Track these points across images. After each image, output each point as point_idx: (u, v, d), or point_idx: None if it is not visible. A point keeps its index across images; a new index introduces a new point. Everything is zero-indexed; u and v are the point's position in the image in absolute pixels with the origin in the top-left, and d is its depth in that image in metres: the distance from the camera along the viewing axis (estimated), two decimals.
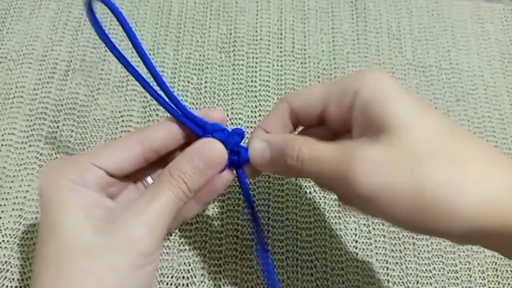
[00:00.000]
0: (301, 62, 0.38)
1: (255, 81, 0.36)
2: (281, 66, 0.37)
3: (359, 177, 0.17)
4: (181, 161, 0.21)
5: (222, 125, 0.22)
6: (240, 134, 0.23)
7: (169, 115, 0.22)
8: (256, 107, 0.35)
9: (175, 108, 0.22)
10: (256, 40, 0.38)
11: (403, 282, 0.30)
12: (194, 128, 0.22)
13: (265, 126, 0.23)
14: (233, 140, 0.22)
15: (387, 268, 0.30)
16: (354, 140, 0.19)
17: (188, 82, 0.36)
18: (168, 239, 0.30)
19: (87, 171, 0.20)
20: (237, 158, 0.22)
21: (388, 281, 0.30)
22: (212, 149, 0.21)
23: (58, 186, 0.19)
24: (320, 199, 0.32)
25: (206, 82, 0.36)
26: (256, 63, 0.37)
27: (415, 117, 0.17)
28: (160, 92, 0.22)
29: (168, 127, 0.22)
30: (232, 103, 0.35)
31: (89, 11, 0.21)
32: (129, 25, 0.21)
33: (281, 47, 0.38)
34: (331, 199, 0.32)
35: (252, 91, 0.36)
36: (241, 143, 0.23)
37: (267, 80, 0.36)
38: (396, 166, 0.17)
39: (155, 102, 0.35)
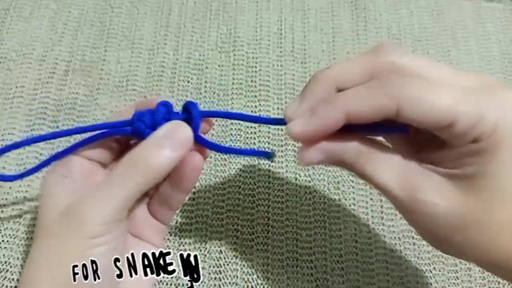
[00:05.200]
0: (301, 62, 0.38)
1: (255, 81, 0.36)
2: (281, 66, 0.37)
3: (417, 228, 0.19)
4: (143, 148, 0.21)
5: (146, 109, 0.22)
6: (164, 104, 0.22)
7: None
8: (256, 107, 0.35)
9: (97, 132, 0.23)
10: (256, 40, 0.38)
11: (403, 282, 0.30)
12: (123, 131, 0.22)
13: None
14: (162, 111, 0.21)
15: (387, 268, 0.30)
16: (427, 173, 0.18)
17: (188, 82, 0.36)
18: (168, 239, 0.30)
19: (69, 161, 0.23)
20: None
21: (388, 281, 0.30)
22: (179, 129, 0.21)
23: (46, 181, 0.23)
24: (320, 198, 0.32)
25: (206, 82, 0.36)
26: (256, 63, 0.37)
27: None
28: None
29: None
30: (232, 103, 0.35)
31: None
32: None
33: (281, 47, 0.38)
34: (332, 199, 0.32)
35: (252, 91, 0.36)
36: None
37: (267, 80, 0.36)
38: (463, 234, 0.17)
39: None
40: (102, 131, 0.22)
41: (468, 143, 0.16)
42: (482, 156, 0.16)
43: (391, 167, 0.18)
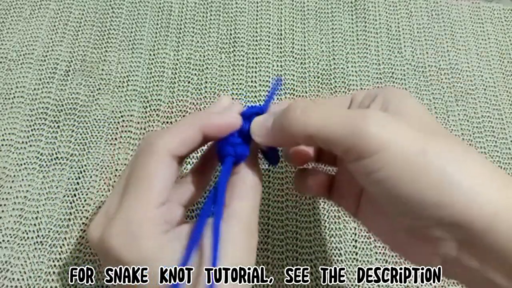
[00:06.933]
0: (301, 63, 0.38)
1: (255, 81, 0.36)
2: (281, 66, 0.37)
3: (371, 127, 0.17)
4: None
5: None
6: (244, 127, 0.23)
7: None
8: None
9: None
10: (256, 40, 0.38)
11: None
12: (232, 161, 0.23)
13: None
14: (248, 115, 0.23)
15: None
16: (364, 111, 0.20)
17: (189, 82, 0.36)
18: None
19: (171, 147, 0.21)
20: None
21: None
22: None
23: (155, 153, 0.20)
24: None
25: (206, 82, 0.36)
26: (256, 63, 0.37)
27: (424, 112, 0.21)
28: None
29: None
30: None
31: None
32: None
33: (280, 48, 0.38)
34: None
35: (252, 91, 0.36)
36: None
37: (267, 80, 0.36)
38: (407, 127, 0.17)
39: (155, 102, 0.35)
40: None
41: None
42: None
43: (336, 114, 0.18)
